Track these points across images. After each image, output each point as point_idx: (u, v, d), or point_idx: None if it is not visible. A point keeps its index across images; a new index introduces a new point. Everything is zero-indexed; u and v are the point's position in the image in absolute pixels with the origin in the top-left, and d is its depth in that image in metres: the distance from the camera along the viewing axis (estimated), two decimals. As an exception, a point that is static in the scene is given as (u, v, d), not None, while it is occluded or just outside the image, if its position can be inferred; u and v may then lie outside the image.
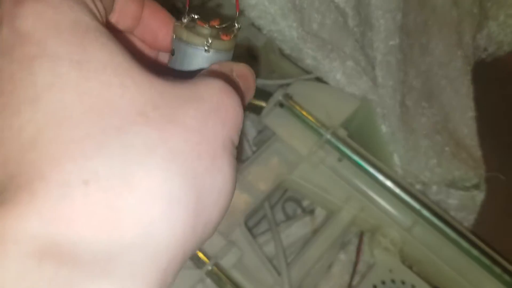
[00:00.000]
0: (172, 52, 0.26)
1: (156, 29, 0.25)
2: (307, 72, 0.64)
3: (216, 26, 0.25)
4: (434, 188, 0.59)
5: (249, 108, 0.65)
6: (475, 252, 0.50)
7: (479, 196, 0.59)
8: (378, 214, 0.53)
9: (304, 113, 0.56)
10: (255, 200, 0.52)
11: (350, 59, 0.54)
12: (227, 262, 0.46)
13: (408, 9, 0.55)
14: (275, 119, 0.57)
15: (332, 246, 0.57)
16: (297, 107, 0.56)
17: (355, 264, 0.56)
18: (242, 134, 0.65)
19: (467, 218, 0.61)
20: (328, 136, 0.54)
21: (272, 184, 0.54)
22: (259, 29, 0.63)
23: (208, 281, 0.46)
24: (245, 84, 0.24)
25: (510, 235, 0.66)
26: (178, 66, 0.26)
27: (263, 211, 0.61)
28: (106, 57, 0.18)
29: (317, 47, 0.52)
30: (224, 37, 0.25)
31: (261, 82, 0.63)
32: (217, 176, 0.19)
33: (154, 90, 0.18)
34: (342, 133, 0.56)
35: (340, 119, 0.56)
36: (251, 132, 0.73)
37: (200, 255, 0.45)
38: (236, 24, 0.26)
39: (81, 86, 0.17)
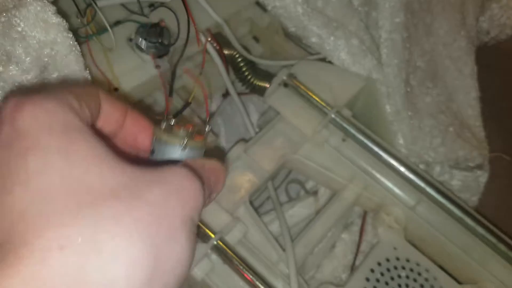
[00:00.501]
0: (152, 151, 0.30)
1: (136, 133, 0.30)
2: (311, 53, 0.64)
3: (190, 130, 0.30)
4: (437, 169, 0.59)
5: (253, 90, 0.65)
6: (479, 229, 0.50)
7: (483, 176, 0.59)
8: (382, 193, 0.53)
9: (309, 92, 0.56)
10: (260, 179, 0.52)
11: (355, 37, 0.54)
12: (232, 237, 0.46)
13: (413, -12, 0.55)
14: (279, 99, 0.57)
15: (336, 225, 0.57)
16: (302, 87, 0.56)
17: (358, 244, 0.56)
18: (245, 116, 0.65)
19: (470, 200, 0.61)
20: (333, 116, 0.54)
21: (276, 164, 0.54)
22: (263, 9, 0.63)
23: (214, 256, 0.46)
24: (215, 177, 0.28)
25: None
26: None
27: (267, 193, 0.61)
28: (88, 149, 0.22)
29: (322, 24, 0.52)
30: (197, 138, 0.30)
31: (264, 63, 0.63)
32: (175, 247, 0.22)
33: (126, 174, 0.22)
34: (347, 113, 0.56)
35: (345, 98, 0.56)
36: (254, 116, 0.72)
37: (206, 230, 0.45)
38: (206, 128, 0.32)
39: (65, 172, 0.20)
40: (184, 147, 0.29)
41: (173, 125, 0.30)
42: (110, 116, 0.28)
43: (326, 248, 0.57)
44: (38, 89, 0.25)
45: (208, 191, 0.27)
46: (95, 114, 0.27)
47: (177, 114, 0.49)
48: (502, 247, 0.49)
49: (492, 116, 0.70)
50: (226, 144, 0.71)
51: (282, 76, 0.57)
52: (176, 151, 0.29)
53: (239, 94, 0.64)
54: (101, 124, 0.28)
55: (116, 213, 0.20)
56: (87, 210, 0.20)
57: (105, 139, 0.27)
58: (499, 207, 0.64)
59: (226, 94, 0.66)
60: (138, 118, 0.30)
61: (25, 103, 0.22)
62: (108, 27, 0.43)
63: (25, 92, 0.28)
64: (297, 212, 0.59)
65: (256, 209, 0.61)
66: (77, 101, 0.24)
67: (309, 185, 0.64)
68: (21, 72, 0.34)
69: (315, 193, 0.61)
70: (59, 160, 0.21)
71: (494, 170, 0.61)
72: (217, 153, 0.60)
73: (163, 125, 0.30)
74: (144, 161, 0.30)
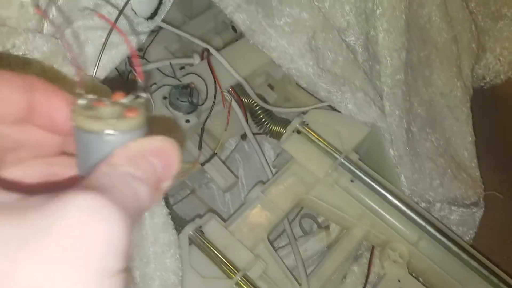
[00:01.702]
0: (77, 155, 0.22)
1: (52, 114, 0.23)
2: (321, 101, 0.70)
3: (121, 101, 0.21)
4: (438, 205, 0.65)
5: (268, 133, 0.71)
6: (474, 263, 0.56)
7: (478, 212, 0.65)
8: (387, 230, 0.59)
9: (319, 139, 0.62)
10: (276, 218, 0.59)
11: (360, 91, 0.60)
12: (253, 273, 0.53)
13: (412, 46, 0.62)
14: (293, 144, 0.63)
15: (346, 259, 0.63)
16: (313, 134, 0.63)
17: (367, 275, 0.62)
18: (261, 156, 0.71)
19: (467, 233, 0.67)
20: (342, 160, 0.61)
21: (291, 203, 0.60)
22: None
23: (237, 291, 0.52)
24: (163, 161, 0.21)
25: (508, 247, 0.71)
26: (82, 164, 0.22)
27: (282, 227, 0.68)
28: None
29: (330, 81, 0.59)
30: (130, 114, 0.21)
31: (279, 110, 0.70)
32: None
33: None
34: (354, 156, 0.62)
35: (352, 144, 0.63)
36: (271, 155, 0.79)
37: (230, 266, 0.51)
38: (141, 94, 0.22)
39: None
40: (113, 133, 0.21)
41: (92, 101, 0.21)
42: (7, 99, 0.22)
43: (338, 279, 0.63)
44: None
45: (155, 183, 0.21)
46: None
47: (204, 163, 0.55)
48: (494, 279, 0.55)
49: (488, 154, 0.76)
50: (245, 180, 0.78)
51: (296, 124, 0.63)
52: (102, 143, 0.21)
53: (255, 134, 0.70)
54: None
55: None
56: None
57: None
58: (494, 239, 0.70)
59: (244, 136, 0.73)
60: (51, 93, 0.23)
61: None
62: (148, 91, 0.50)
63: None
64: (311, 246, 0.65)
65: (272, 243, 0.68)
66: None
67: (321, 219, 0.70)
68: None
69: (327, 227, 0.67)
70: None
71: (489, 206, 0.67)
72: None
73: (83, 103, 0.21)
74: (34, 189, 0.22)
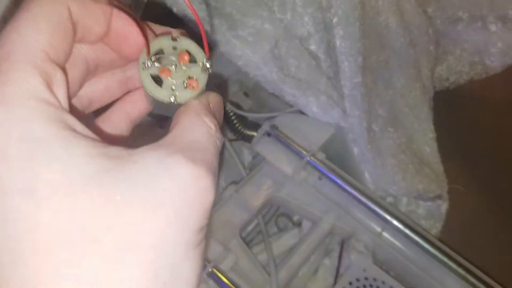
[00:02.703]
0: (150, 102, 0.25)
1: (122, 39, 0.24)
2: (291, 106, 0.75)
3: (184, 68, 0.24)
4: (405, 200, 0.69)
5: (244, 138, 0.76)
6: (435, 252, 0.59)
7: (444, 205, 0.69)
8: (353, 223, 0.63)
9: (288, 140, 0.67)
10: (248, 215, 0.63)
11: (323, 94, 0.65)
12: (225, 265, 0.57)
13: (371, 51, 0.67)
14: (264, 146, 0.68)
15: (317, 252, 0.66)
16: (282, 135, 0.67)
17: (337, 268, 0.66)
18: (237, 159, 0.76)
19: (435, 226, 0.70)
20: (308, 159, 0.65)
21: (263, 201, 0.65)
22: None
23: (211, 282, 0.56)
24: (219, 109, 0.25)
25: (476, 239, 0.74)
26: (152, 104, 0.26)
27: (259, 227, 0.72)
28: (57, 177, 0.17)
29: (295, 86, 0.64)
30: (192, 85, 0.23)
31: (253, 115, 0.74)
32: (182, 275, 0.19)
33: (109, 207, 0.17)
34: (321, 155, 0.66)
35: (318, 144, 0.67)
36: (248, 158, 0.84)
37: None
38: (207, 64, 0.24)
39: (31, 220, 0.16)
40: (176, 104, 0.23)
41: (158, 65, 0.23)
42: (88, 32, 0.22)
43: (310, 272, 0.67)
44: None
45: (218, 125, 0.24)
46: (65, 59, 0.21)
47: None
48: (452, 264, 0.58)
49: (455, 151, 0.80)
50: (224, 184, 0.82)
51: (266, 127, 0.68)
52: (168, 105, 0.24)
53: (232, 140, 0.75)
54: (77, 41, 0.22)
55: (98, 272, 0.16)
56: (64, 270, 0.16)
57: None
58: (462, 232, 0.73)
59: (222, 142, 0.78)
60: (125, 20, 0.24)
61: None
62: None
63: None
64: (284, 242, 0.69)
65: (248, 242, 0.72)
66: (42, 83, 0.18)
67: (296, 217, 0.74)
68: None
69: (299, 224, 0.71)
70: (22, 202, 0.16)
71: (459, 201, 0.70)
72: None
73: (149, 64, 0.23)
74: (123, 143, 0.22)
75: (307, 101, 0.65)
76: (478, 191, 0.79)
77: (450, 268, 0.58)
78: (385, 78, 0.68)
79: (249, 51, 0.61)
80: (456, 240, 0.75)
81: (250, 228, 0.75)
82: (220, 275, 0.55)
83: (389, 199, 0.68)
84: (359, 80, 0.62)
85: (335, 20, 0.61)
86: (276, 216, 0.75)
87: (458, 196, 0.78)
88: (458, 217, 0.77)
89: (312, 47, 0.66)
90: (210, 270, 0.55)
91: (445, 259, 0.59)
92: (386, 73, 0.68)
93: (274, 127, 0.68)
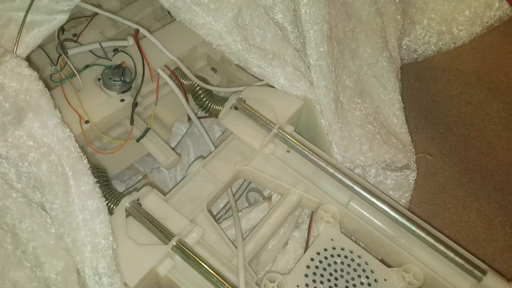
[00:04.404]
0: None
1: None
2: (259, 79, 0.74)
3: None
4: (373, 171, 0.69)
5: (211, 114, 0.74)
6: (402, 219, 0.59)
7: (412, 175, 0.69)
8: (320, 194, 0.62)
9: (255, 113, 0.65)
10: (216, 189, 0.62)
11: (290, 65, 0.64)
12: (190, 239, 0.56)
13: (337, 21, 0.65)
14: (231, 120, 0.67)
15: (287, 225, 0.66)
16: (249, 109, 0.66)
17: (307, 239, 0.65)
18: (205, 135, 0.74)
19: (403, 196, 0.70)
20: (276, 131, 0.64)
21: (231, 175, 0.64)
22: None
23: (176, 256, 0.55)
24: None
25: (448, 211, 0.75)
26: None
27: (230, 204, 0.71)
28: None
29: (260, 56, 0.62)
30: None
31: (217, 89, 0.73)
32: None
33: None
34: (289, 128, 0.65)
35: (286, 116, 0.66)
36: (218, 135, 0.83)
37: (167, 233, 0.54)
38: None
39: None
40: None
41: None
42: None
43: (280, 245, 0.66)
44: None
45: None
46: None
47: (139, 139, 0.59)
48: (419, 232, 0.58)
49: (425, 123, 0.80)
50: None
51: (232, 100, 0.67)
52: None
53: (200, 118, 0.74)
54: None
55: None
56: None
57: None
58: (435, 203, 0.74)
59: (189, 118, 0.76)
60: None
61: None
62: (76, 72, 0.53)
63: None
64: (254, 216, 0.68)
65: (218, 218, 0.71)
66: None
67: (266, 192, 0.74)
68: (1, 115, 0.44)
69: (269, 198, 0.70)
70: None
71: (429, 171, 0.70)
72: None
73: None
74: None
75: (274, 72, 0.64)
76: (447, 162, 0.79)
77: (418, 236, 0.58)
78: (352, 48, 0.67)
79: (211, 19, 0.59)
80: (426, 211, 0.76)
81: (221, 205, 0.74)
82: (184, 248, 0.54)
83: (358, 171, 0.68)
84: (325, 49, 0.61)
85: (299, -13, 0.60)
86: (247, 191, 0.74)
87: (428, 168, 0.78)
88: (428, 189, 0.78)
89: (278, 16, 0.64)
90: (175, 243, 0.54)
91: (413, 227, 0.59)
92: (353, 43, 0.67)
93: (240, 100, 0.67)
